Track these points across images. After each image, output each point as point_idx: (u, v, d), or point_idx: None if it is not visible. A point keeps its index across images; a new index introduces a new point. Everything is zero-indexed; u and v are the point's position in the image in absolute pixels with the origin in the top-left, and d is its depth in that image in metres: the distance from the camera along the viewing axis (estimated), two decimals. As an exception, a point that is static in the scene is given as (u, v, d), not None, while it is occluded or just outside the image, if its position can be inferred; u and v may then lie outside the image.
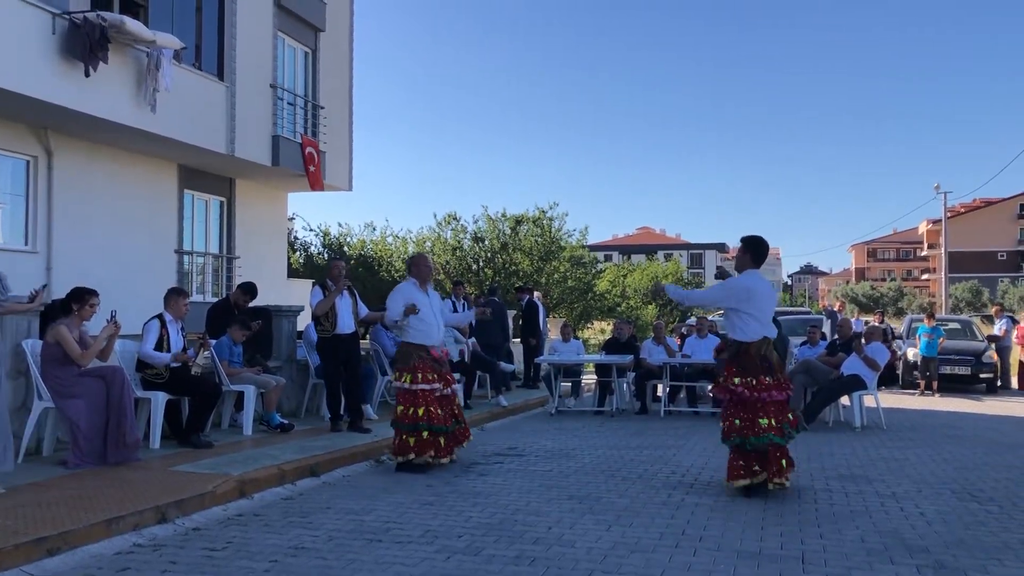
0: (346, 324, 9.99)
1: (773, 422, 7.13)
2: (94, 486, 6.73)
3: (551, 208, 28.74)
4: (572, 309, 29.40)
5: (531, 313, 16.72)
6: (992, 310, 23.49)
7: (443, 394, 8.44)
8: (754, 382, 7.16)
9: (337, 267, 10.25)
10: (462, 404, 12.35)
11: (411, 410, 8.16)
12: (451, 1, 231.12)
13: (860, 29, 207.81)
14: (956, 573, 5.11)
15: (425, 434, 8.17)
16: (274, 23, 16.13)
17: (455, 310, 14.70)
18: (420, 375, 8.26)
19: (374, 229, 28.99)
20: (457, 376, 12.83)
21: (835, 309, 20.96)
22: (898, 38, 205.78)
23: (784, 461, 7.28)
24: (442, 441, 8.33)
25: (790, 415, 7.38)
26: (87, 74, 11.34)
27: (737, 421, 7.19)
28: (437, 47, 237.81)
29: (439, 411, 8.26)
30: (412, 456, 8.17)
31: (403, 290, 8.62)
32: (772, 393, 7.19)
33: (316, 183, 16.80)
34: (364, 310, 10.43)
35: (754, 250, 7.63)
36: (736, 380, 7.20)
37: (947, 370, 18.06)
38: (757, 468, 7.16)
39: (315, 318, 9.97)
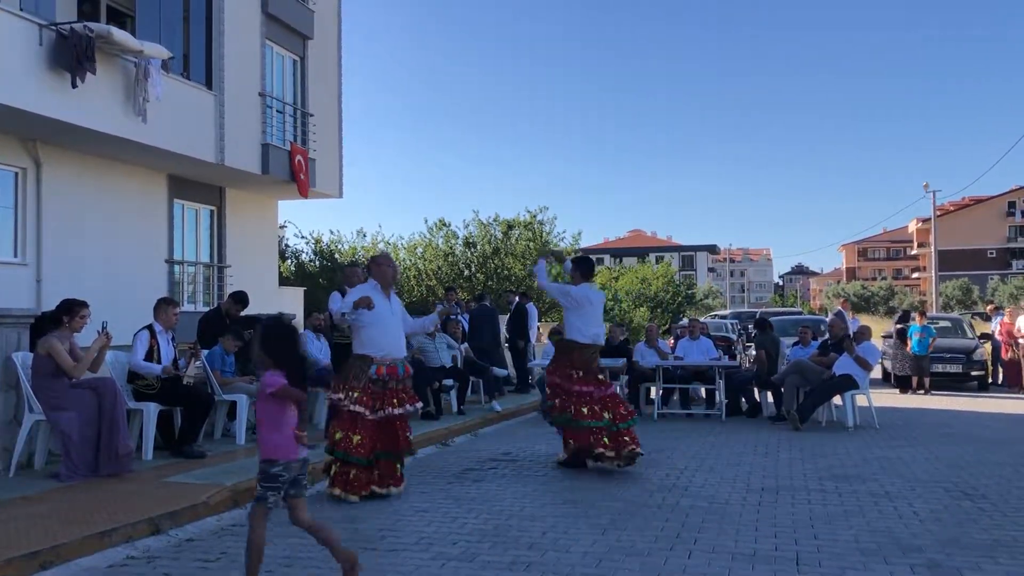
0: None
1: (594, 409, 8.44)
2: (86, 499, 6.71)
3: (541, 212, 28.79)
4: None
5: (519, 316, 16.72)
6: (987, 308, 23.56)
7: (378, 419, 7.30)
8: (577, 375, 8.62)
9: (355, 274, 10.14)
10: (455, 410, 12.34)
11: (334, 433, 7.34)
12: (438, 8, 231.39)
13: (848, 29, 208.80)
14: (950, 571, 5.13)
15: (334, 465, 7.33)
16: (262, 32, 16.11)
17: (448, 317, 14.69)
18: (356, 394, 7.27)
19: (364, 236, 29.00)
20: (450, 382, 12.85)
21: (841, 308, 20.88)
22: (886, 38, 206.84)
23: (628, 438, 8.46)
24: (352, 474, 7.25)
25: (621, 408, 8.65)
26: (74, 85, 11.31)
27: (558, 402, 8.64)
28: (424, 54, 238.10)
29: (361, 439, 7.22)
30: (328, 485, 7.39)
31: (361, 290, 7.63)
32: (592, 389, 8.59)
33: (305, 190, 16.79)
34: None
35: (583, 267, 9.13)
36: (570, 373, 8.62)
37: (938, 368, 18.13)
38: (572, 443, 8.60)
39: (333, 325, 9.86)
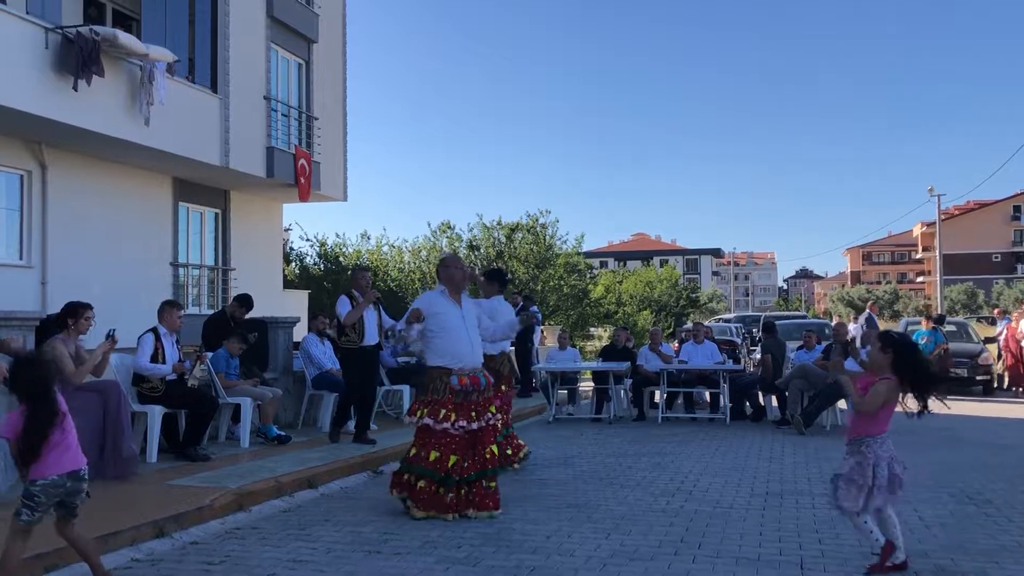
0: (372, 336, 9.85)
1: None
2: (90, 501, 6.64)
3: (543, 215, 28.79)
4: (568, 316, 29.40)
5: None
6: (994, 312, 23.44)
7: (470, 431, 6.78)
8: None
9: (364, 278, 10.10)
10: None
11: (423, 452, 6.73)
12: (443, 12, 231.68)
13: (853, 35, 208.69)
14: (955, 577, 5.11)
15: (423, 484, 6.69)
16: (267, 35, 16.15)
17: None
18: (442, 411, 6.74)
19: (369, 239, 29.01)
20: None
21: (870, 311, 20.62)
22: (891, 42, 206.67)
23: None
24: (450, 497, 6.68)
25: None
26: (75, 87, 11.33)
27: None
28: (428, 57, 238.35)
29: (459, 458, 6.68)
30: (410, 505, 6.78)
31: (424, 299, 7.18)
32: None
33: (305, 193, 16.77)
34: (388, 322, 10.23)
35: (498, 279, 9.56)
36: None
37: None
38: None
39: (342, 329, 9.85)
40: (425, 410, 6.77)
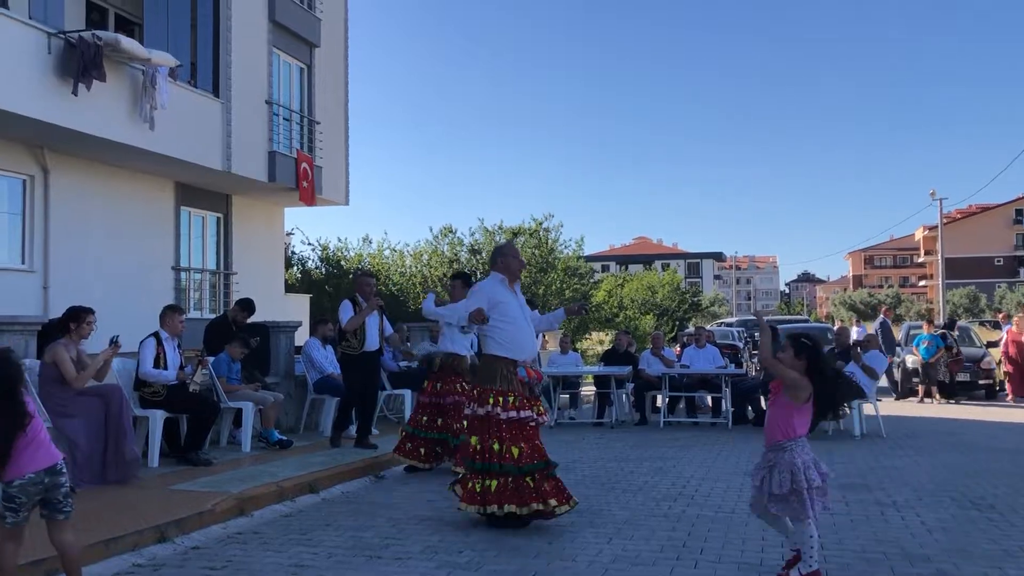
0: (373, 342, 9.85)
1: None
2: (92, 506, 6.71)
3: (547, 219, 28.79)
4: (569, 320, 29.40)
5: None
6: (999, 316, 23.32)
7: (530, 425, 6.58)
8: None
9: (368, 283, 10.10)
10: None
11: (494, 445, 6.44)
12: (445, 15, 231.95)
13: (854, 38, 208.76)
14: (958, 582, 5.10)
15: (507, 480, 6.39)
16: (269, 39, 16.17)
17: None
18: (512, 399, 6.50)
19: (371, 243, 29.02)
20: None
21: (884, 316, 20.40)
22: (892, 46, 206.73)
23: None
24: (494, 485, 6.42)
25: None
26: (75, 92, 11.35)
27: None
28: (430, 61, 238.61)
29: (503, 447, 6.44)
30: (490, 508, 6.39)
31: (485, 288, 6.74)
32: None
33: (309, 199, 16.79)
34: (389, 329, 10.27)
35: (466, 281, 9.13)
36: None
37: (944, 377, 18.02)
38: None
39: (343, 334, 9.85)
40: (508, 399, 6.46)
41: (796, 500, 4.91)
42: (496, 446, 6.40)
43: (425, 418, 9.01)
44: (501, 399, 6.47)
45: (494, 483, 6.37)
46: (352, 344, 9.73)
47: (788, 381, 5.03)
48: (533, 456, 6.46)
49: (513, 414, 6.44)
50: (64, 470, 4.59)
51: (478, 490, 6.43)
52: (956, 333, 18.92)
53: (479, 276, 27.47)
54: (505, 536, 6.26)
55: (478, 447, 6.50)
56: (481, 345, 6.88)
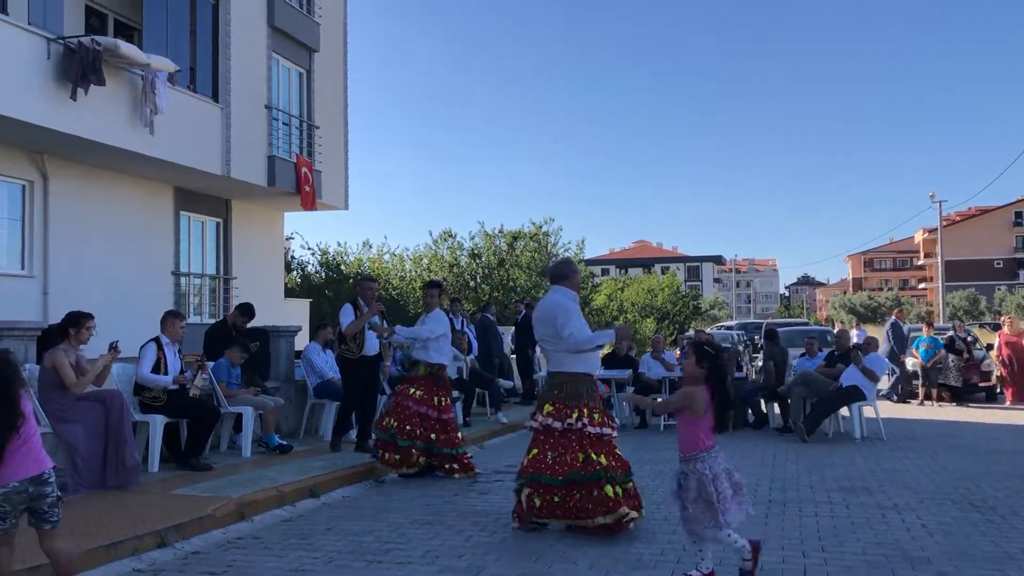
0: (372, 346, 9.86)
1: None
2: (93, 511, 6.71)
3: (547, 223, 28.81)
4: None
5: (526, 327, 16.75)
6: (1003, 319, 22.91)
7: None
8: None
9: (370, 288, 10.09)
10: (460, 423, 12.31)
11: (580, 455, 6.45)
12: (445, 21, 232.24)
13: (852, 40, 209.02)
14: (959, 585, 5.10)
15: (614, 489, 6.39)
16: (268, 44, 16.19)
17: (452, 328, 14.67)
18: (597, 415, 6.57)
19: (371, 247, 29.05)
20: (456, 394, 12.85)
21: (896, 318, 20.06)
22: (890, 48, 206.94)
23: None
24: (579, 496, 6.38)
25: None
26: (73, 97, 11.36)
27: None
28: (430, 66, 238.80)
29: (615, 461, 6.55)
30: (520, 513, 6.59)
31: (575, 307, 6.77)
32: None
33: (309, 203, 16.81)
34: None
35: (439, 288, 9.76)
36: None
37: (940, 379, 17.92)
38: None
39: (342, 337, 9.85)
40: (594, 415, 6.52)
41: (708, 510, 4.88)
42: (582, 456, 6.39)
43: (407, 425, 8.79)
44: (587, 413, 6.50)
45: (578, 494, 6.31)
46: (351, 348, 9.73)
47: (684, 404, 5.04)
48: (619, 467, 6.49)
49: (597, 430, 6.49)
50: (51, 479, 4.49)
51: (537, 503, 6.44)
52: (967, 336, 18.77)
53: (478, 281, 27.53)
54: (505, 540, 6.26)
55: (549, 460, 6.46)
56: (549, 361, 6.81)
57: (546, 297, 6.90)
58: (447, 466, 8.93)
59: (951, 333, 18.34)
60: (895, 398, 18.23)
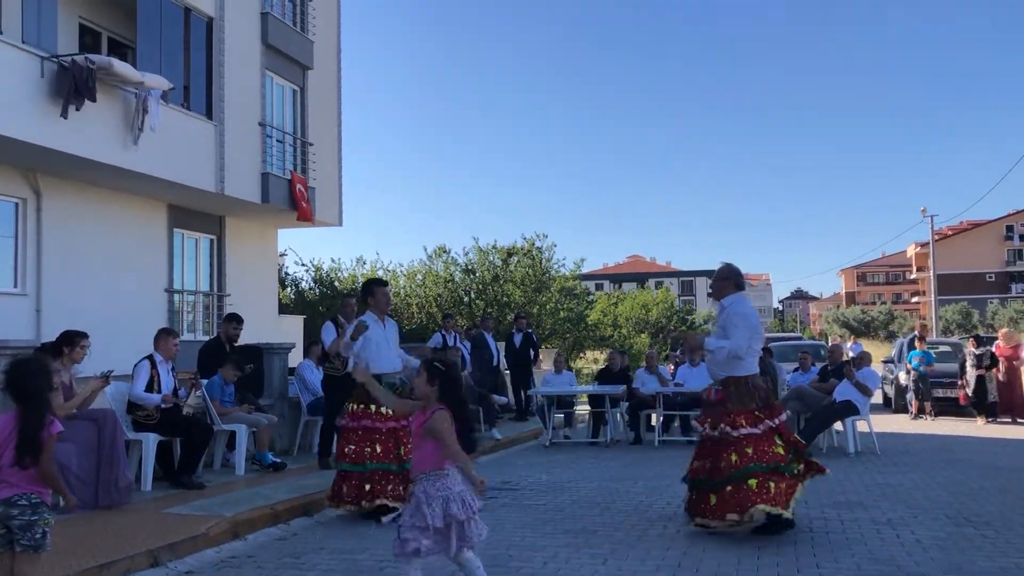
0: None
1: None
2: (85, 531, 6.68)
3: (540, 239, 28.82)
4: (564, 339, 29.40)
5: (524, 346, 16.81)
6: (1000, 332, 22.52)
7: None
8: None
9: (350, 305, 10.17)
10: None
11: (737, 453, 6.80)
12: (436, 39, 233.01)
13: (842, 55, 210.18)
14: (953, 600, 5.10)
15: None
16: (262, 62, 16.24)
17: (445, 344, 14.69)
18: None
19: (364, 263, 29.01)
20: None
21: (917, 332, 19.53)
22: (881, 64, 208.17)
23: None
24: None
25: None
26: (64, 114, 11.37)
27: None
28: (422, 84, 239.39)
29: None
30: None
31: (754, 312, 7.36)
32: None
33: (306, 216, 16.78)
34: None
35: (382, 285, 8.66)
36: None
37: (939, 393, 17.95)
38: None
39: (325, 355, 9.87)
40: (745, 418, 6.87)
41: (451, 531, 4.63)
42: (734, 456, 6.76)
43: (379, 448, 7.75)
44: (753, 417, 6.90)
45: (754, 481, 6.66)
46: (336, 366, 9.78)
47: (436, 435, 4.71)
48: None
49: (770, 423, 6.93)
50: (22, 503, 4.33)
51: (713, 502, 6.77)
52: (940, 350, 18.58)
53: (472, 297, 27.50)
54: (499, 556, 6.24)
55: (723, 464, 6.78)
56: (732, 368, 7.06)
57: (737, 303, 7.19)
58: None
59: (977, 350, 17.12)
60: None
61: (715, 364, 7.18)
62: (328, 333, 9.80)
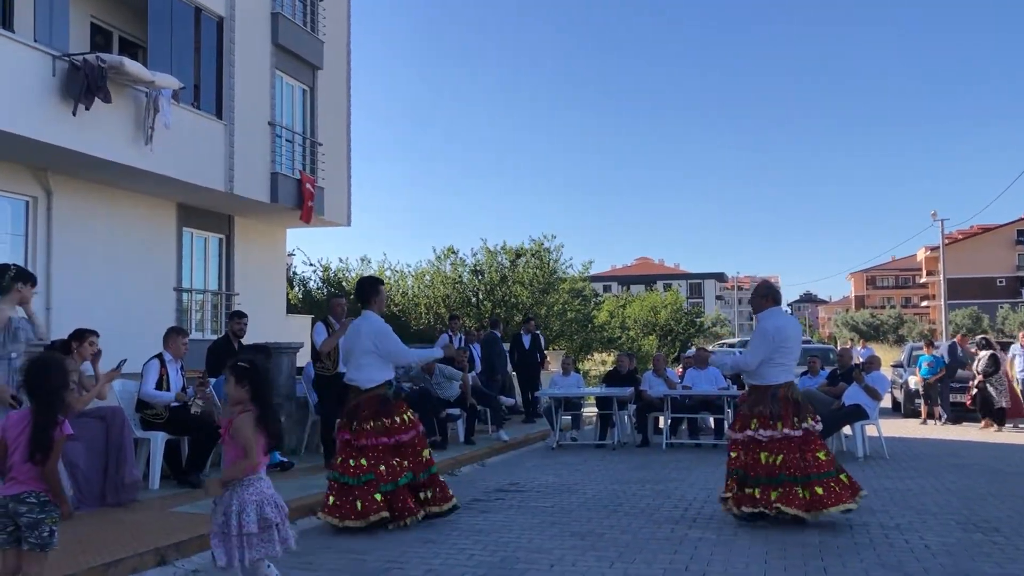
0: None
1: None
2: (92, 529, 6.69)
3: (548, 240, 28.79)
4: (572, 341, 29.37)
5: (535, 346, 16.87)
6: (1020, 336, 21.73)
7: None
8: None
9: (339, 305, 10.25)
10: (462, 439, 12.35)
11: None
12: (446, 40, 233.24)
13: (852, 57, 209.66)
14: (962, 607, 5.07)
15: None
16: (272, 62, 16.27)
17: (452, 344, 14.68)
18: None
19: (370, 263, 29.01)
20: (456, 411, 12.83)
21: (956, 342, 18.73)
22: (892, 66, 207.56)
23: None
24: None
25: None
26: (73, 112, 11.40)
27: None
28: (432, 85, 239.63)
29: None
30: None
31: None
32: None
33: (308, 216, 16.77)
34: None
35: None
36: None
37: (957, 399, 17.70)
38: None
39: (316, 355, 9.95)
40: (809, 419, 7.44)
41: (267, 536, 4.54)
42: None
43: (393, 462, 7.45)
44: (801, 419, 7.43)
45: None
46: (327, 365, 9.85)
47: (250, 435, 4.69)
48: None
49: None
50: (31, 500, 4.36)
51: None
52: (959, 354, 18.39)
53: (480, 298, 27.49)
54: (507, 559, 6.24)
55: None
56: (752, 378, 7.63)
57: (765, 317, 7.69)
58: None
59: (992, 351, 16.70)
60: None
61: (746, 374, 7.77)
62: (319, 334, 9.89)
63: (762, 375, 7.45)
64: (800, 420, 7.34)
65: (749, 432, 7.39)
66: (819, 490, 7.14)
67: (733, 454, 7.57)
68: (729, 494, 7.49)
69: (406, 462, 7.49)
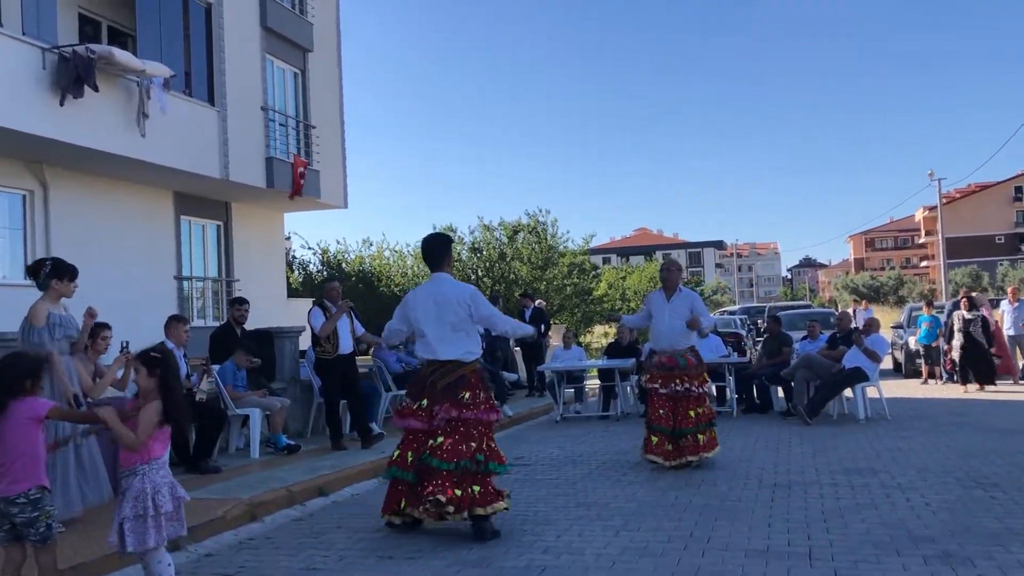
0: (346, 344, 10.08)
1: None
2: (102, 518, 6.75)
3: (543, 215, 28.79)
4: (573, 314, 29.44)
5: (538, 320, 16.91)
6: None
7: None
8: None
9: (334, 288, 10.32)
10: None
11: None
12: (436, 17, 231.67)
13: (848, 21, 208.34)
14: (962, 561, 5.16)
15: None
16: (262, 46, 16.22)
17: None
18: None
19: (371, 245, 29.04)
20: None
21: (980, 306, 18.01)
22: (886, 27, 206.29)
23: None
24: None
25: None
26: (61, 102, 11.39)
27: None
28: (424, 61, 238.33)
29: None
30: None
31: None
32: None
33: (296, 192, 16.54)
34: (360, 329, 10.47)
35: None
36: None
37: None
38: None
39: (316, 339, 10.01)
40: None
41: (141, 526, 4.55)
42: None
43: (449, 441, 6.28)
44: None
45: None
46: (327, 349, 9.94)
47: (153, 425, 4.63)
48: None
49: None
50: (21, 500, 4.37)
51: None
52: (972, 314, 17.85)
53: (480, 275, 27.53)
54: (514, 532, 6.32)
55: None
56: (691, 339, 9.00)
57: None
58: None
59: (968, 314, 16.12)
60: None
61: (681, 335, 8.87)
62: (316, 318, 9.96)
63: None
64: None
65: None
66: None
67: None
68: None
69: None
